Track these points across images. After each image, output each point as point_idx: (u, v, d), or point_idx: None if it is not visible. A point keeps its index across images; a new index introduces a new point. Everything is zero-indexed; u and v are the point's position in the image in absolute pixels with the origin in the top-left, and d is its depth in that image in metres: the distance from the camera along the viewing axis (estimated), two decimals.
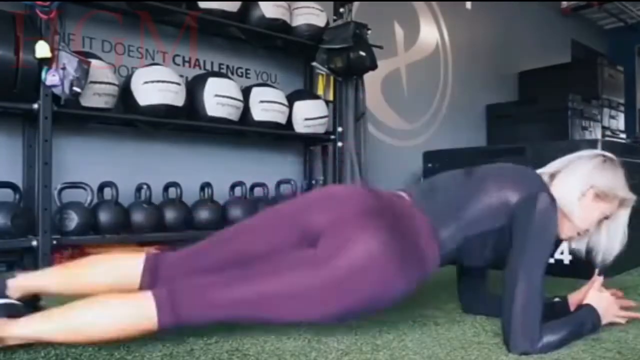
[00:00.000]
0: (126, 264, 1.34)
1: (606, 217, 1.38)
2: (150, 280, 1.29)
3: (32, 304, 1.31)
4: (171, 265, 1.33)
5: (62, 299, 1.20)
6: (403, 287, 1.22)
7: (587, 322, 1.32)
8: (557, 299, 1.50)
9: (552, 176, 1.41)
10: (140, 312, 1.14)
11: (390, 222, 1.23)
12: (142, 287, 1.29)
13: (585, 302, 1.38)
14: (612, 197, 1.35)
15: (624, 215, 1.39)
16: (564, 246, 2.20)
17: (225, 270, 1.24)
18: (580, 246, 1.44)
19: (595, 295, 1.39)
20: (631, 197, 1.38)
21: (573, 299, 1.47)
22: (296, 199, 1.41)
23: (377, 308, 1.24)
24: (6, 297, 1.27)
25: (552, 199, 1.30)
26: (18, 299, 1.28)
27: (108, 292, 1.23)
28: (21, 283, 1.30)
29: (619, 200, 1.36)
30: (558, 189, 1.36)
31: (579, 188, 1.35)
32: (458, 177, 1.42)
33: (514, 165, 1.43)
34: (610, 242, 1.39)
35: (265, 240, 1.30)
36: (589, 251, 1.43)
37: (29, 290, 1.31)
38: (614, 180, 1.36)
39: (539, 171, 1.43)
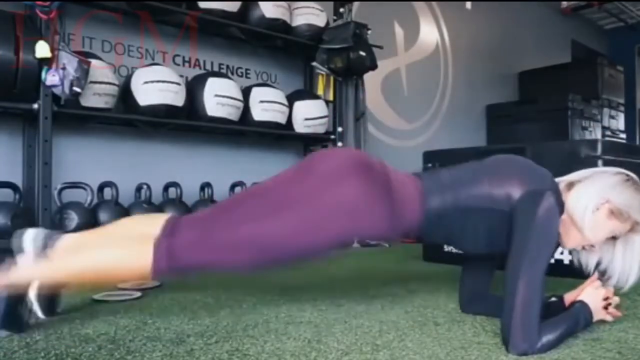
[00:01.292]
0: (151, 218, 1.41)
1: (614, 237, 1.36)
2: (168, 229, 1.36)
3: None
4: (192, 218, 1.40)
5: None
6: (373, 225, 1.29)
7: (581, 318, 1.33)
8: (553, 299, 1.50)
9: (570, 185, 1.40)
10: (137, 257, 1.24)
11: (375, 176, 1.31)
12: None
13: (579, 298, 1.39)
14: (626, 217, 1.33)
15: (639, 242, 1.37)
16: None
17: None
18: (590, 263, 1.43)
19: (591, 292, 1.39)
20: None
21: (569, 298, 1.47)
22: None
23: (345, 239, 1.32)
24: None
25: (558, 200, 1.29)
26: None
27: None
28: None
29: (632, 222, 1.34)
30: (574, 198, 1.35)
31: (595, 200, 1.33)
32: (470, 163, 1.44)
33: (528, 160, 1.42)
34: (626, 268, 1.37)
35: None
36: (602, 272, 1.41)
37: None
38: (632, 200, 1.34)
39: (558, 179, 1.42)
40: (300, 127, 3.35)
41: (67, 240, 1.35)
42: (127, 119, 2.77)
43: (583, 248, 1.40)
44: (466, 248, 1.46)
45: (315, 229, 1.24)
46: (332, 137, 3.55)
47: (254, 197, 1.34)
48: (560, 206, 1.31)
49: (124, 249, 1.27)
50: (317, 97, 3.53)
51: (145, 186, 2.68)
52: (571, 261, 1.48)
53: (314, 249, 1.28)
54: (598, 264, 1.41)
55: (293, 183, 1.32)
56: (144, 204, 2.63)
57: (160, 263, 1.21)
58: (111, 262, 1.25)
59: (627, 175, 1.38)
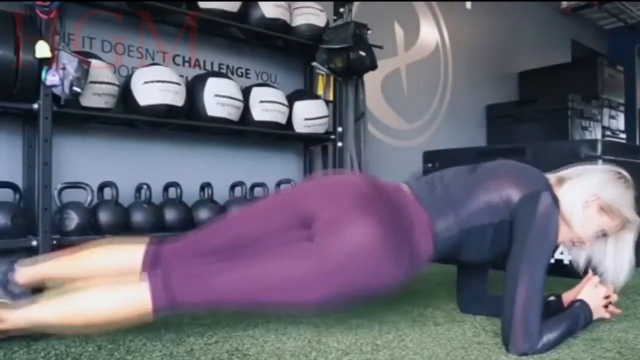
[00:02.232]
0: (128, 250, 1.36)
1: (604, 234, 1.37)
2: (151, 265, 1.31)
3: (37, 291, 1.34)
4: (172, 251, 1.34)
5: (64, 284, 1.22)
6: (393, 277, 1.23)
7: (581, 317, 1.33)
8: (552, 298, 1.50)
9: (562, 180, 1.40)
10: (134, 296, 1.14)
11: (384, 211, 1.24)
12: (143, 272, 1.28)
13: (578, 297, 1.39)
14: (616, 214, 1.34)
15: (629, 239, 1.37)
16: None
17: (222, 255, 1.26)
18: (579, 259, 1.43)
19: (590, 290, 1.40)
20: (636, 219, 1.36)
21: (567, 297, 1.47)
22: (295, 186, 1.44)
23: (368, 295, 1.24)
24: (7, 288, 1.30)
25: (554, 199, 1.29)
26: (23, 286, 1.33)
27: (109, 276, 1.24)
28: (26, 272, 1.34)
29: (621, 220, 1.35)
30: (565, 193, 1.36)
31: (585, 196, 1.34)
32: (461, 173, 1.43)
33: (518, 163, 1.43)
34: (617, 266, 1.37)
35: (262, 224, 1.32)
36: (594, 269, 1.42)
37: (33, 277, 1.35)
38: (622, 197, 1.35)
39: (549, 174, 1.42)
40: (300, 127, 3.35)
41: (27, 271, 1.31)
42: (127, 119, 2.77)
43: (572, 244, 1.40)
44: (470, 261, 1.46)
45: (322, 280, 1.16)
46: (332, 137, 3.55)
47: (256, 233, 1.28)
48: (557, 204, 1.32)
49: (116, 290, 1.16)
50: (317, 97, 3.53)
51: (145, 186, 2.68)
52: (571, 261, 1.48)
53: (322, 301, 1.20)
54: (589, 262, 1.42)
55: (294, 225, 1.25)
56: (144, 204, 2.63)
57: (160, 300, 1.14)
58: (105, 308, 1.14)
59: (619, 172, 1.39)
